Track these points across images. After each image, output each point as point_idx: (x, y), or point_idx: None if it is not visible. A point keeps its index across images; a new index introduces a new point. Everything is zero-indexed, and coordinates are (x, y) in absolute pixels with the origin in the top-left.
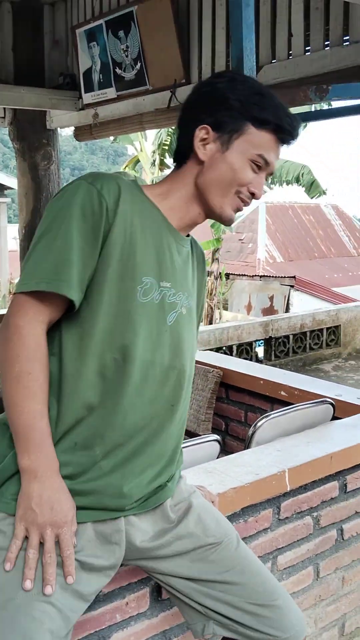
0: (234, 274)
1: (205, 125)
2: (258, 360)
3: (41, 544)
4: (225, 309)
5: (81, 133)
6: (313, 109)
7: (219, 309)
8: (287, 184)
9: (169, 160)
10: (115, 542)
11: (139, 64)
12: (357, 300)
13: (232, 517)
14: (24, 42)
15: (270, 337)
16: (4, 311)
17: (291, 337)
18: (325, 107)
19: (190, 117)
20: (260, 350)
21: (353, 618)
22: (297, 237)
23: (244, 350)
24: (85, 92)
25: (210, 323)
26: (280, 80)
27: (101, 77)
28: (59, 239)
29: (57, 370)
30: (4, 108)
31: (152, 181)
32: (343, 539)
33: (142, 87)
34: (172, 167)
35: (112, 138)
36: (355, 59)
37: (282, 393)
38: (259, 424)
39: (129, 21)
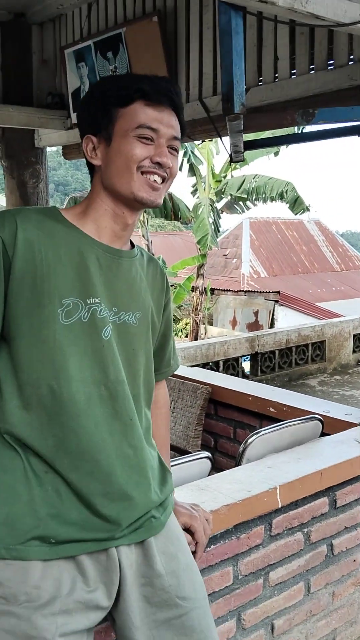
0: (219, 289)
1: (88, 135)
2: (244, 376)
3: None
4: (211, 324)
5: (69, 152)
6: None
7: (204, 324)
8: (272, 200)
9: None
10: (111, 569)
11: None
12: (341, 315)
13: (224, 534)
14: (12, 61)
15: (257, 352)
16: None
17: (277, 352)
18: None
19: (81, 138)
20: (246, 366)
21: (343, 633)
22: (280, 252)
23: (231, 366)
24: (74, 112)
25: (196, 338)
26: (267, 102)
27: None
28: None
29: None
30: None
31: None
32: (333, 554)
33: None
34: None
35: None
36: (340, 83)
37: (271, 409)
38: (249, 440)
39: (117, 42)
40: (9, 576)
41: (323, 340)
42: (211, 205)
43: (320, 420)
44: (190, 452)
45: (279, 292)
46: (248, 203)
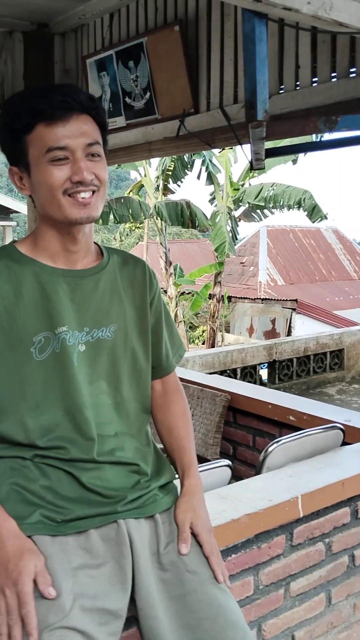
0: (236, 297)
1: (10, 167)
2: (262, 384)
3: None
4: (228, 331)
5: None
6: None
7: (221, 331)
8: (289, 208)
9: (173, 186)
10: (120, 542)
11: (148, 94)
12: (359, 323)
13: (245, 544)
14: (35, 70)
15: (274, 360)
16: None
17: (295, 360)
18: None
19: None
20: (264, 373)
21: None
22: (298, 260)
23: (248, 373)
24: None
25: (213, 345)
26: (288, 110)
27: (111, 106)
28: None
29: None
30: None
31: (155, 206)
32: (354, 565)
33: (151, 116)
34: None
35: None
36: None
37: (291, 418)
38: (270, 449)
39: (138, 52)
40: None
41: (341, 349)
42: (229, 213)
43: (341, 429)
44: (209, 460)
45: (296, 300)
46: (265, 211)
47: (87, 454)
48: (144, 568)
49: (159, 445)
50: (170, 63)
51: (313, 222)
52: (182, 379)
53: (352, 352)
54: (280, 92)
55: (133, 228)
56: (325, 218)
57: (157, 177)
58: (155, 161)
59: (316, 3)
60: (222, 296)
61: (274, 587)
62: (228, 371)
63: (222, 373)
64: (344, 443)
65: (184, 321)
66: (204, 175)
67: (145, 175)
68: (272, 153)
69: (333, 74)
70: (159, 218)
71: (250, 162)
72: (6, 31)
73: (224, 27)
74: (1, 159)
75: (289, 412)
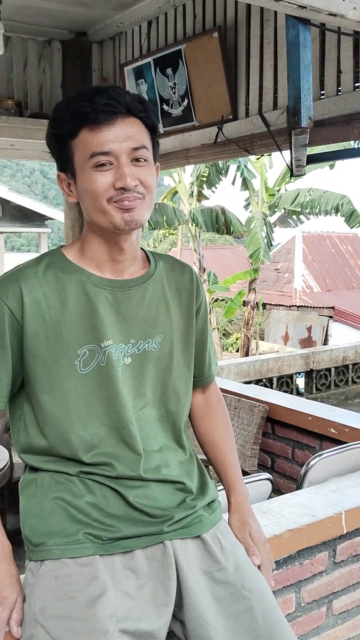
0: (271, 304)
1: (58, 173)
2: (299, 393)
3: None
4: (262, 339)
5: None
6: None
7: (255, 339)
8: (327, 214)
9: (208, 192)
10: (167, 564)
11: (186, 101)
12: None
13: (287, 560)
14: (73, 79)
15: (312, 369)
16: None
17: (333, 369)
18: None
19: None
20: (301, 383)
21: None
22: (334, 266)
23: (285, 383)
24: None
25: (247, 353)
26: (329, 116)
27: None
28: None
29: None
30: None
31: (190, 212)
32: None
33: (189, 123)
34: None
35: None
36: None
37: (332, 430)
38: (311, 462)
39: (177, 59)
40: (67, 572)
41: None
42: (264, 219)
43: None
44: (247, 472)
45: (333, 308)
46: (302, 217)
47: (134, 470)
48: (193, 589)
49: (200, 456)
50: (209, 70)
51: (351, 228)
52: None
53: None
54: (322, 97)
55: (167, 234)
56: None
57: (192, 184)
58: (189, 167)
59: None
60: (257, 303)
61: (316, 605)
62: (264, 380)
63: (257, 382)
64: None
65: (218, 328)
66: (238, 180)
67: (179, 182)
68: (313, 160)
69: None
70: (193, 224)
71: (291, 169)
72: (45, 40)
73: (263, 33)
74: (37, 167)
75: (330, 424)
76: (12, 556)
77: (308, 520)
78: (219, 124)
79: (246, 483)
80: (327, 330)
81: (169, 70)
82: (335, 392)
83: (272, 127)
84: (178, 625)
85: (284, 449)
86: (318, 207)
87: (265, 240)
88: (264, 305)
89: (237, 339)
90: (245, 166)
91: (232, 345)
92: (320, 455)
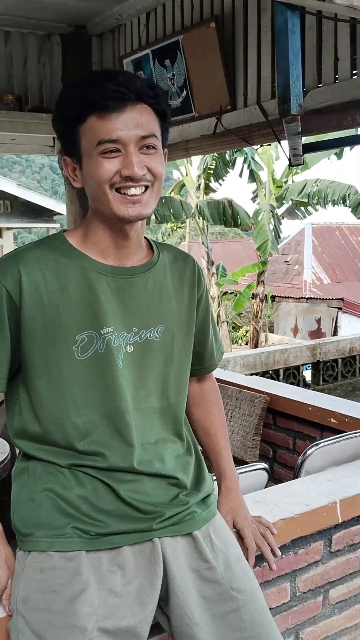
0: (280, 296)
1: (64, 157)
2: (305, 385)
3: None
4: (271, 331)
5: None
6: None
7: (264, 331)
8: (334, 204)
9: (215, 184)
10: (154, 561)
11: (184, 92)
12: None
13: (281, 549)
14: (73, 72)
15: (318, 360)
16: None
17: (340, 361)
18: None
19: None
20: (307, 374)
21: None
22: (344, 258)
23: (291, 374)
24: None
25: (256, 346)
26: (327, 104)
27: None
28: None
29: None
30: (54, 137)
31: (197, 205)
32: None
33: (188, 114)
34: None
35: None
36: None
37: (332, 420)
38: (308, 452)
39: (175, 50)
40: (52, 565)
41: None
42: (272, 211)
43: None
44: (248, 463)
45: (342, 299)
46: (309, 208)
47: (127, 461)
48: (179, 587)
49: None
50: (207, 60)
51: (358, 218)
52: (220, 380)
53: None
54: (319, 86)
55: (175, 228)
56: None
57: (199, 176)
58: (196, 160)
59: None
60: (266, 296)
61: (312, 595)
62: (270, 372)
63: (264, 374)
64: None
65: (227, 321)
66: (245, 173)
67: (186, 175)
68: (310, 148)
69: None
70: (200, 217)
71: (289, 159)
72: (44, 34)
73: (260, 21)
74: (46, 162)
75: (330, 414)
76: (4, 538)
77: (302, 509)
78: (218, 115)
79: (242, 473)
80: (336, 322)
81: (167, 62)
82: (342, 384)
83: (270, 116)
84: (165, 620)
85: (285, 440)
86: (325, 197)
87: (273, 233)
88: (273, 297)
89: (246, 332)
90: (253, 158)
91: (241, 338)
92: (317, 444)
